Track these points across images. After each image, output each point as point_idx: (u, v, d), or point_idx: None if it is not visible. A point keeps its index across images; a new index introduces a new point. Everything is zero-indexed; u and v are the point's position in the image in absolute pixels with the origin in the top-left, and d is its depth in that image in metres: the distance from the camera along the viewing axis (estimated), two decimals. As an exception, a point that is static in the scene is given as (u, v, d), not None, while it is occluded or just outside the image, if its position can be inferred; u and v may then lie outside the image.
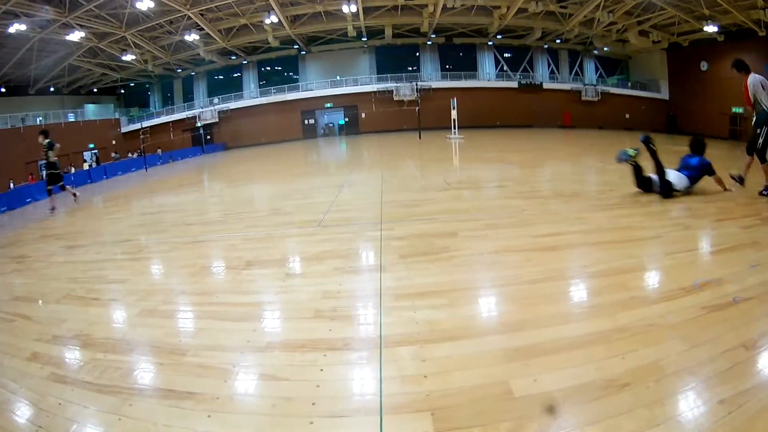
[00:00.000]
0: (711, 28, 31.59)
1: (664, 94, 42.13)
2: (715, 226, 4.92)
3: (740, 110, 30.70)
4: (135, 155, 36.83)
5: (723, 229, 4.74)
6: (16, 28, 26.37)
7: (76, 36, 30.39)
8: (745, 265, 3.51)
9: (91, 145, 38.38)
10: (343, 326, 2.80)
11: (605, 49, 42.87)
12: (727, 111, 33.44)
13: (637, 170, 6.41)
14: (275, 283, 3.62)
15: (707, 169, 6.60)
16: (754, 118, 6.94)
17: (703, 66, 36.65)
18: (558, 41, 43.01)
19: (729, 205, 5.97)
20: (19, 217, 12.42)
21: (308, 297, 3.26)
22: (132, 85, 48.15)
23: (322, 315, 2.94)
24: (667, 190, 6.18)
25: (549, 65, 45.62)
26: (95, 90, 45.81)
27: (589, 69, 46.83)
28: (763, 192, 6.68)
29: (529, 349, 2.37)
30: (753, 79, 6.77)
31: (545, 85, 43.25)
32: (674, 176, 6.33)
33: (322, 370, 2.33)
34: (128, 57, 36.94)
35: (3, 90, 36.04)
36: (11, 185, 26.20)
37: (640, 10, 33.48)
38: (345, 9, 32.41)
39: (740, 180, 7.04)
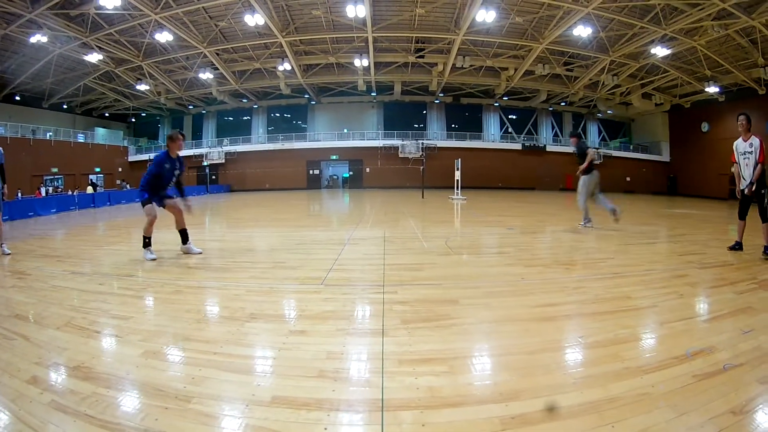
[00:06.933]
0: (712, 89, 32.60)
1: (665, 157, 42.95)
2: (711, 292, 5.11)
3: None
4: (128, 186, 36.98)
5: (719, 295, 4.94)
6: (38, 38, 27.02)
7: (94, 57, 31.32)
8: (739, 331, 3.67)
9: (97, 169, 38.53)
10: (347, 388, 2.85)
11: (609, 111, 43.76)
12: (726, 171, 33.89)
13: None
14: (279, 339, 3.67)
15: None
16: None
17: (704, 127, 37.49)
18: (563, 104, 44.01)
19: (725, 270, 6.21)
20: (19, 229, 12.58)
21: (312, 356, 3.31)
22: (143, 115, 48.98)
23: (325, 375, 3.00)
24: None
25: (553, 128, 46.55)
26: (107, 114, 46.74)
27: (593, 132, 47.71)
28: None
29: (524, 418, 2.45)
30: None
31: (549, 148, 44.02)
32: None
33: (326, 429, 2.37)
34: (142, 87, 37.79)
35: (17, 98, 36.74)
36: (19, 195, 26.47)
37: (643, 72, 34.57)
38: (357, 63, 33.27)
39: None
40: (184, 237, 7.77)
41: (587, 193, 11.13)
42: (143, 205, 7.51)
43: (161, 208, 7.67)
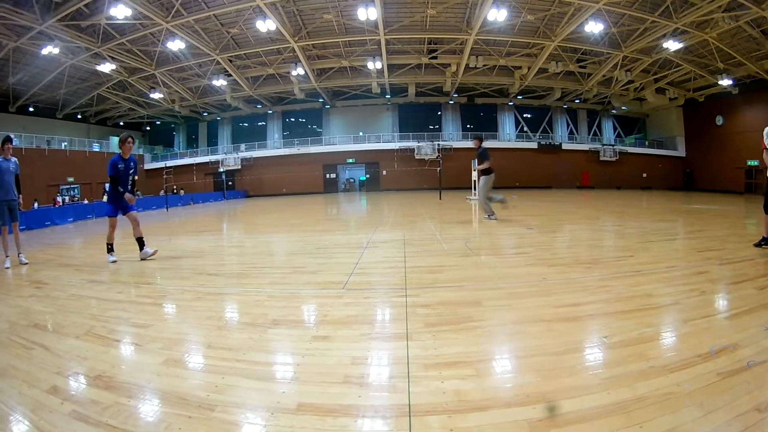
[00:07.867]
0: (726, 82, 32.52)
1: (680, 152, 42.84)
2: (732, 289, 5.03)
3: (756, 163, 30.90)
4: (140, 194, 37.21)
5: (739, 291, 4.85)
6: (50, 50, 27.38)
7: (106, 67, 31.71)
8: (760, 327, 3.60)
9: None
10: (373, 393, 2.81)
11: (623, 108, 43.76)
12: (742, 165, 33.74)
13: None
14: (302, 345, 3.63)
15: None
16: None
17: (719, 120, 37.41)
18: (577, 101, 43.89)
19: (745, 265, 6.10)
20: (36, 239, 12.73)
21: (336, 362, 3.27)
22: (158, 123, 49.41)
23: (351, 381, 2.96)
24: None
25: (568, 125, 46.42)
26: (121, 123, 47.29)
27: (608, 128, 47.69)
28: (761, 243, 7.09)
29: (552, 420, 2.41)
30: None
31: (564, 146, 43.97)
32: None
33: (353, 436, 2.33)
34: (156, 95, 38.12)
35: (31, 109, 37.41)
36: (35, 205, 26.72)
37: (656, 67, 34.48)
38: (370, 65, 33.36)
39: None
40: (141, 244, 8.36)
41: (487, 191, 12.54)
42: (109, 216, 8.30)
43: (123, 216, 8.39)
